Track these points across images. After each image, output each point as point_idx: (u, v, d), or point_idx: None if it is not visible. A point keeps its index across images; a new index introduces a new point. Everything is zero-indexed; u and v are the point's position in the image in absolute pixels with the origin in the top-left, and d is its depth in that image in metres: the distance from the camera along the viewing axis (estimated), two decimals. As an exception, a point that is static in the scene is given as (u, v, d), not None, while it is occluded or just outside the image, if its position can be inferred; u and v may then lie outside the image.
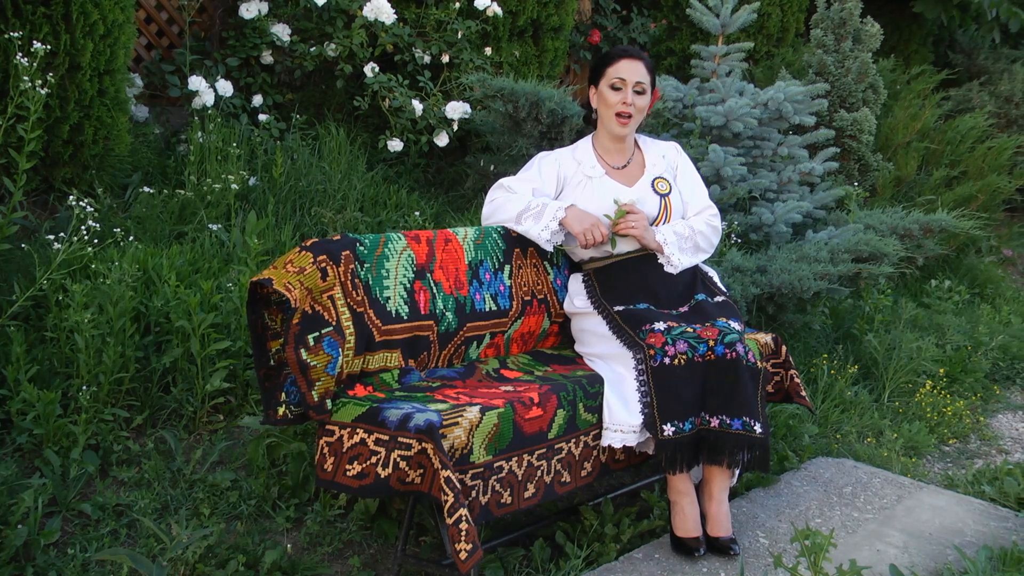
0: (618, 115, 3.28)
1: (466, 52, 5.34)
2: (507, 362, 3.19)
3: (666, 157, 3.46)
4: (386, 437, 2.56)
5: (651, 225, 3.29)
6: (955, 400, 4.82)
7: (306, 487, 3.11)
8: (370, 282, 2.85)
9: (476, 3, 5.33)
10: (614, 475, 3.44)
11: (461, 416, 2.55)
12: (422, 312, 2.96)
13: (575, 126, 4.76)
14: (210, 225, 4.09)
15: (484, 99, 4.99)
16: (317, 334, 2.63)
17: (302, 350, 2.60)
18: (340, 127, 5.04)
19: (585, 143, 3.43)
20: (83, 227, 3.30)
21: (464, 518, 2.41)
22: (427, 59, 5.29)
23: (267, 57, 5.14)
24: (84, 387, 3.08)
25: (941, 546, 3.10)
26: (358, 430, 2.61)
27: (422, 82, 5.24)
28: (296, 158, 4.77)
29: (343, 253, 2.79)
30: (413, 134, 5.17)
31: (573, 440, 2.89)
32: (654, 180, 3.37)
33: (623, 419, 2.94)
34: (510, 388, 2.87)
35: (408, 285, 2.95)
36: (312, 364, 2.61)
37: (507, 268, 3.25)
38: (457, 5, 5.29)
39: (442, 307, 3.02)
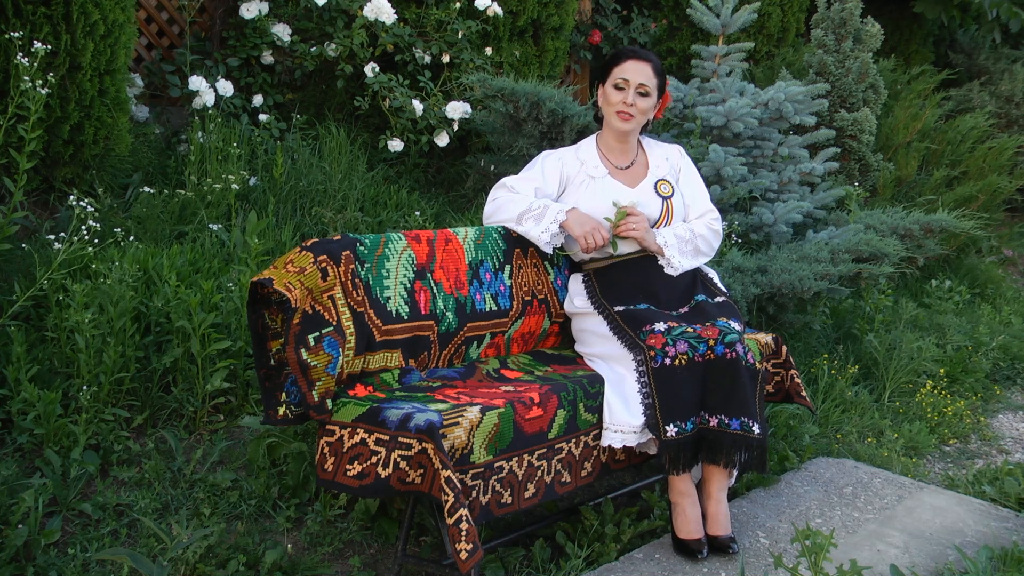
0: (619, 113, 3.28)
1: (466, 52, 5.34)
2: (507, 362, 3.19)
3: (669, 159, 3.47)
4: (386, 437, 2.56)
5: (653, 227, 3.30)
6: (956, 400, 4.82)
7: (306, 487, 3.11)
8: (370, 282, 2.85)
9: (476, 3, 5.33)
10: (614, 475, 3.43)
11: (461, 416, 2.55)
12: (422, 312, 2.96)
13: (575, 126, 4.76)
14: (210, 225, 4.09)
15: (484, 99, 4.98)
16: (317, 334, 2.64)
17: (302, 350, 2.60)
18: (340, 127, 5.04)
19: (589, 143, 3.43)
20: (83, 227, 3.30)
21: (464, 518, 2.41)
22: (427, 59, 5.29)
23: (267, 57, 5.14)
24: (84, 387, 3.08)
25: (942, 546, 3.10)
26: (358, 430, 2.61)
27: (422, 82, 5.24)
28: (296, 158, 4.77)
29: (343, 253, 2.79)
30: (413, 134, 5.17)
31: (573, 440, 2.89)
32: (657, 182, 3.37)
33: (624, 419, 2.94)
34: (510, 388, 2.87)
35: (408, 285, 2.95)
36: (312, 364, 2.61)
37: (507, 268, 3.25)
38: (457, 5, 5.29)
39: (442, 307, 3.02)
